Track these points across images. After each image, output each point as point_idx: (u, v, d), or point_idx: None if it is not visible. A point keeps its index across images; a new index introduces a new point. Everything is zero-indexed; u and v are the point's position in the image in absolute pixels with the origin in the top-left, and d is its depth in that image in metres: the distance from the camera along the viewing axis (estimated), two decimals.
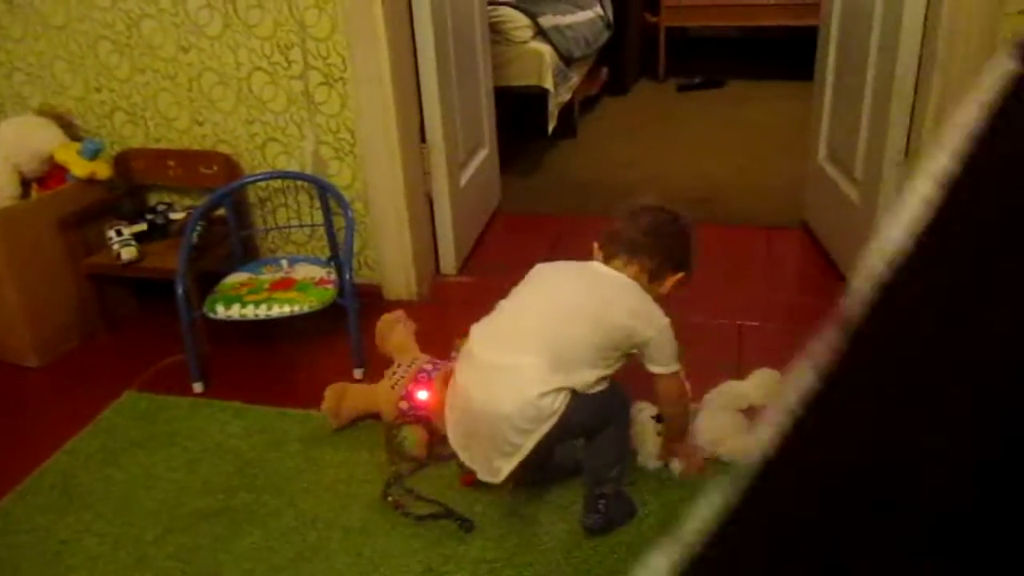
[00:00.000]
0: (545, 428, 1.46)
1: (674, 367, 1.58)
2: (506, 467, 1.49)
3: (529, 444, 1.47)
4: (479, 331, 1.58)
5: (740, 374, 2.00)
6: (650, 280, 1.60)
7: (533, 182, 3.55)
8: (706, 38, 5.69)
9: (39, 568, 1.61)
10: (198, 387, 2.15)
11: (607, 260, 1.61)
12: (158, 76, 2.50)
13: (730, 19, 5.06)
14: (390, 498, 1.71)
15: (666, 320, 1.56)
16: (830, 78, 2.63)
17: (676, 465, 1.75)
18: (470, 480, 1.70)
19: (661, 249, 1.60)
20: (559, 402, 1.46)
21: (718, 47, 5.53)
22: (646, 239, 1.59)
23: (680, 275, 1.63)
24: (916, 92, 2.14)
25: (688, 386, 1.68)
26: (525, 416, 1.45)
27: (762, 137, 3.89)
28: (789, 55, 4.34)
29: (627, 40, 4.92)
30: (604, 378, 1.52)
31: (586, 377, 1.48)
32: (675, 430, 1.72)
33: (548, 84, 3.56)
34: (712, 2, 5.03)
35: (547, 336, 1.49)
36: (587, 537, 1.60)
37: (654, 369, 1.57)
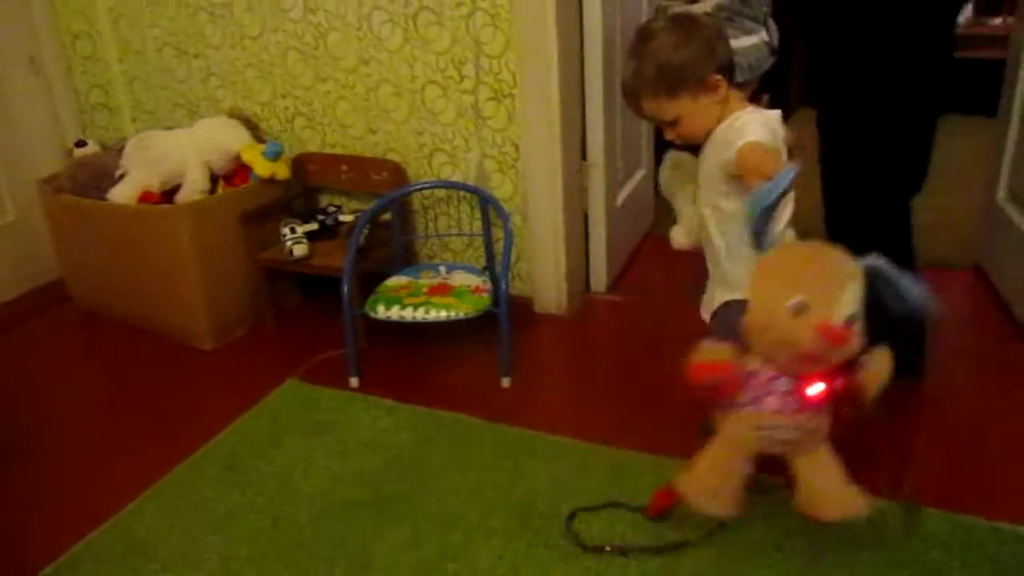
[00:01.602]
0: None
1: None
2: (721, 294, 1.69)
3: None
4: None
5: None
6: None
7: None
8: None
9: (207, 534, 1.72)
10: (354, 381, 2.25)
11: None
12: (338, 85, 2.65)
13: None
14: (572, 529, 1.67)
15: None
16: (1017, 114, 2.48)
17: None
18: (661, 505, 1.68)
19: None
20: None
21: None
22: None
23: None
24: None
25: None
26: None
27: (931, 173, 3.68)
28: (964, 89, 4.09)
29: (791, 67, 4.79)
30: None
31: None
32: None
33: None
34: None
35: None
36: (734, 565, 1.56)
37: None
